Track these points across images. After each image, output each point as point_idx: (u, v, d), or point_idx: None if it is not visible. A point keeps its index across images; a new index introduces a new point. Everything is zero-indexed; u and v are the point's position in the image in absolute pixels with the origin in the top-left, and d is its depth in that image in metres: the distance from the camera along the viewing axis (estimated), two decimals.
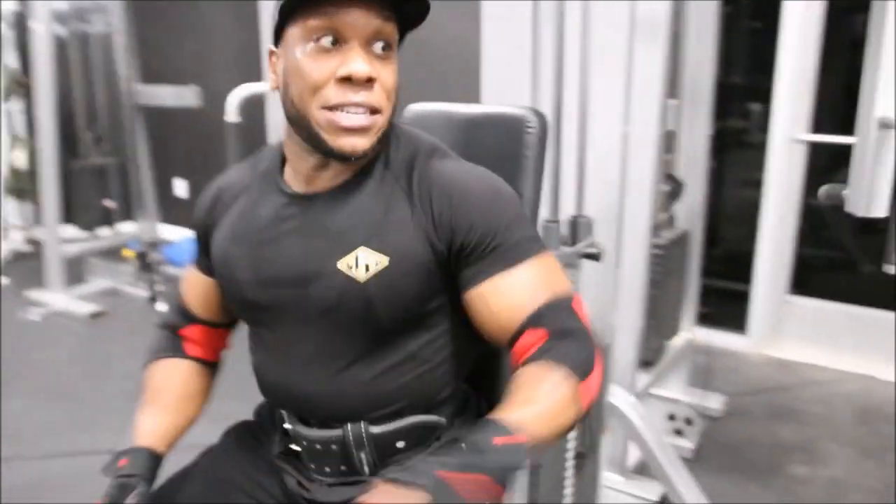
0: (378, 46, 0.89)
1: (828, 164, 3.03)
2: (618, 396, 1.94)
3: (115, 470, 0.98)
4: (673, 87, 2.16)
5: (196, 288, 1.12)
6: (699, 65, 2.24)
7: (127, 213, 3.95)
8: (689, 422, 2.35)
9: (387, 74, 0.90)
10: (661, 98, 2.02)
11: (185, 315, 1.13)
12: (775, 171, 2.94)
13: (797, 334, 3.08)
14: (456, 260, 0.93)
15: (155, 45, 4.23)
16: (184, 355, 1.13)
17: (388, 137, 0.97)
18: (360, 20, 0.87)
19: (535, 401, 0.82)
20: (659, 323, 2.33)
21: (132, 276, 3.79)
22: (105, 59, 3.94)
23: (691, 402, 2.43)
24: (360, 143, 0.90)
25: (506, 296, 0.90)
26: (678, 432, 2.33)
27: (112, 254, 3.97)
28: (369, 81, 0.88)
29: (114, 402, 2.60)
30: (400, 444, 1.00)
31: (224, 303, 1.10)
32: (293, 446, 1.05)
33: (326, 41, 0.87)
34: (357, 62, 0.87)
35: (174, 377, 1.11)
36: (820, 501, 2.08)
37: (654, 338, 2.30)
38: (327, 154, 0.92)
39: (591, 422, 1.74)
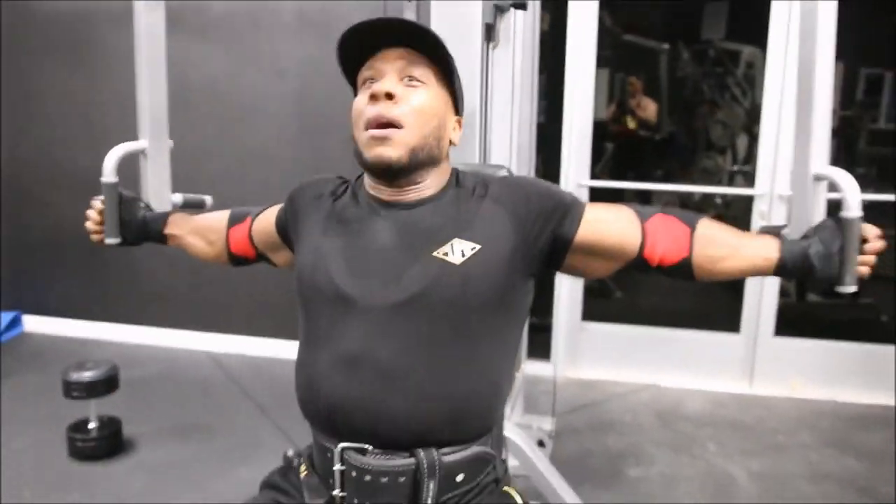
0: (407, 79, 1.05)
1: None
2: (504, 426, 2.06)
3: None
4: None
5: (263, 224, 1.33)
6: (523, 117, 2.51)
7: None
8: (541, 444, 2.55)
9: (412, 96, 1.05)
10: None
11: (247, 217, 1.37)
12: None
13: (591, 356, 3.48)
14: (544, 226, 1.06)
15: None
16: (226, 232, 1.39)
17: (456, 174, 1.12)
18: (389, 61, 1.05)
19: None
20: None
21: None
22: None
23: (540, 426, 2.64)
24: (385, 152, 1.03)
25: (607, 217, 1.10)
26: None
27: None
28: (389, 97, 1.02)
29: None
30: (459, 478, 1.02)
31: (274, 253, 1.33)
32: (338, 493, 1.02)
33: (369, 81, 1.08)
34: (379, 84, 1.04)
35: (213, 234, 1.41)
36: (660, 495, 2.39)
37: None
38: (367, 169, 1.08)
39: (503, 450, 1.83)
